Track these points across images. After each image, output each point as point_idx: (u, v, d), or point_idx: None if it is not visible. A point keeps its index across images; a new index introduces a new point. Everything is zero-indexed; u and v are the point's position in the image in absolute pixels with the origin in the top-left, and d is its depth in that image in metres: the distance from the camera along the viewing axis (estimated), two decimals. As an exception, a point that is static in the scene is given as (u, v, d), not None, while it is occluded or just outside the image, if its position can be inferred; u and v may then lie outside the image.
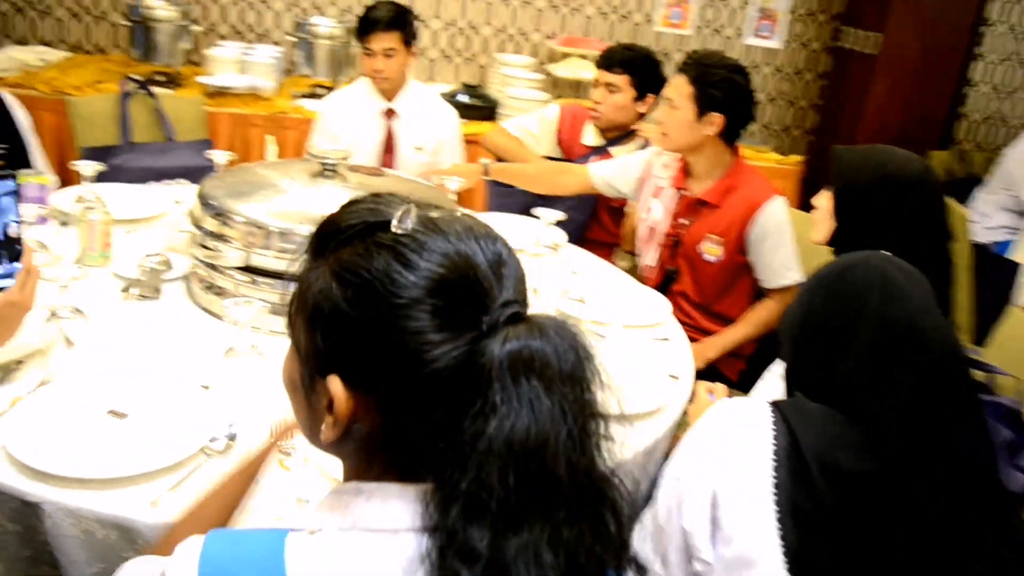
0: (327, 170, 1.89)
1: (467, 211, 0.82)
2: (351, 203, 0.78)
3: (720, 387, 1.68)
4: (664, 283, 2.44)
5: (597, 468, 0.72)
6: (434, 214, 0.74)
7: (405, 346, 0.69)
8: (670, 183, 2.44)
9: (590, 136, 2.91)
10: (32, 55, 3.67)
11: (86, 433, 1.32)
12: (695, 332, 2.34)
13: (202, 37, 3.89)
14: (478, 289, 0.71)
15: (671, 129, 2.32)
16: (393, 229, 0.71)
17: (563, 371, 0.69)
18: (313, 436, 0.79)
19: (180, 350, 1.62)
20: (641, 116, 2.87)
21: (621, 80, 2.76)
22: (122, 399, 1.41)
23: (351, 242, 0.73)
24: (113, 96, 3.07)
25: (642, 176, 2.55)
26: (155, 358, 1.59)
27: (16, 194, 1.26)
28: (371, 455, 0.75)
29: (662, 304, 2.15)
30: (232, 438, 1.35)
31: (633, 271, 2.59)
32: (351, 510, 0.72)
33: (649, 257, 2.52)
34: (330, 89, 3.50)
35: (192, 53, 3.83)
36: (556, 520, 0.68)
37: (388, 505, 0.72)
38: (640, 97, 2.80)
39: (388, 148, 2.92)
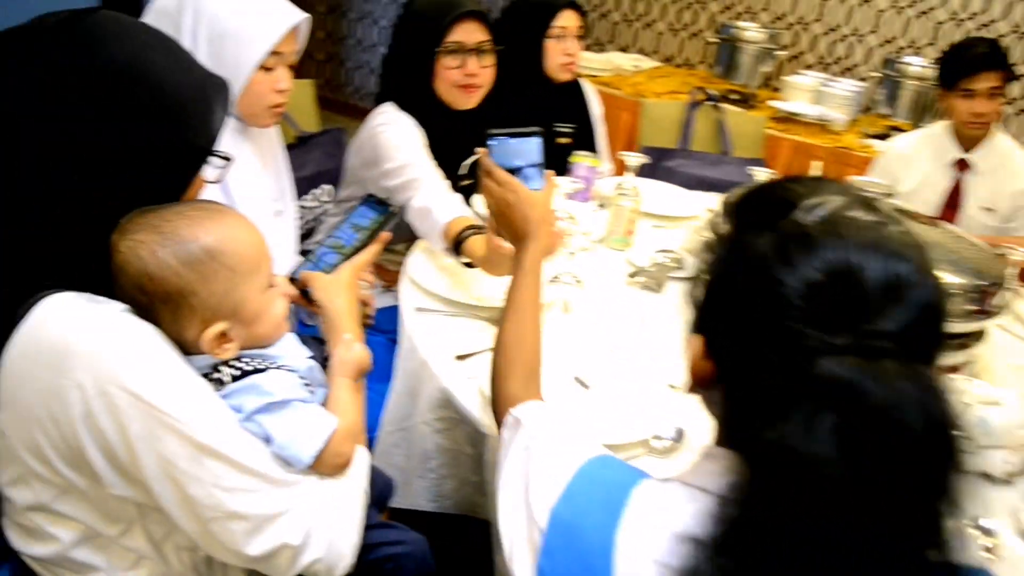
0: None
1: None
2: (782, 181, 0.80)
3: None
4: None
5: None
6: (856, 215, 0.71)
7: (763, 334, 0.70)
8: None
9: None
10: (627, 61, 4.00)
11: (548, 391, 1.36)
12: None
13: (785, 63, 3.87)
14: (852, 306, 0.67)
15: None
16: (796, 218, 0.71)
17: (888, 435, 0.62)
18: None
19: (657, 344, 1.60)
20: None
21: None
22: (589, 371, 1.42)
23: (760, 216, 0.75)
24: (683, 104, 3.19)
25: None
26: (633, 344, 1.58)
27: (540, 167, 1.35)
28: (719, 421, 0.82)
29: None
30: (677, 440, 1.28)
31: None
32: (696, 468, 0.80)
33: None
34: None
35: (771, 77, 3.83)
36: None
37: (711, 468, 0.77)
38: None
39: (952, 203, 2.58)
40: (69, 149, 0.92)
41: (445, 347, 1.47)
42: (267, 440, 0.98)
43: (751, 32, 3.61)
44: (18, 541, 0.97)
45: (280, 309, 1.06)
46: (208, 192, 1.53)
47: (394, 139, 1.97)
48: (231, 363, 1.00)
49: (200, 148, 1.02)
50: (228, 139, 1.56)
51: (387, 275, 2.11)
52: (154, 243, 0.94)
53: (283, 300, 1.08)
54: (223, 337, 0.99)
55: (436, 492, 1.47)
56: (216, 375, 0.99)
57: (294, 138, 2.37)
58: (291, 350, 1.09)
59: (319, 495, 0.99)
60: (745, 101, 3.62)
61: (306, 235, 2.25)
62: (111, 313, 0.93)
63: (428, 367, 1.43)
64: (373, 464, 1.19)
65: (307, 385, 1.07)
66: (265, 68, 1.54)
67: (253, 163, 1.64)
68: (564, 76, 2.51)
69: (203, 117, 1.02)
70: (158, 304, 0.95)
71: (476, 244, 1.65)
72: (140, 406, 0.88)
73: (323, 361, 1.16)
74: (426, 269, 1.73)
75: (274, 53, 1.54)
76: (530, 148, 1.37)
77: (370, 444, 1.56)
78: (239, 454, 0.93)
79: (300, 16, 1.57)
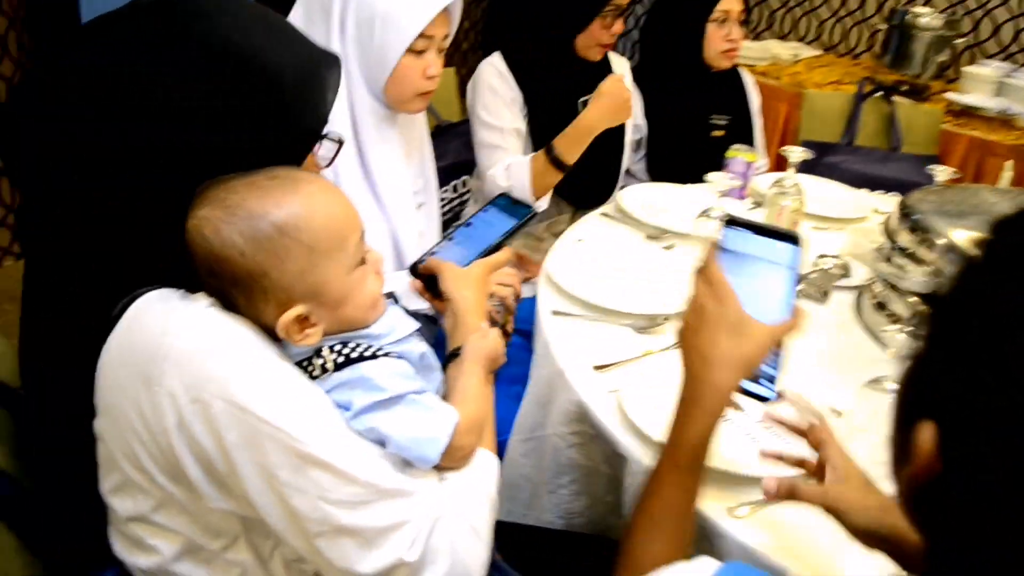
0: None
1: None
2: None
3: None
4: None
5: None
6: None
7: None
8: None
9: None
10: (785, 50, 3.76)
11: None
12: None
13: (963, 52, 3.53)
14: None
15: None
16: None
17: None
18: (893, 473, 0.62)
19: (820, 362, 1.43)
20: None
21: None
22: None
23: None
24: (848, 96, 2.95)
25: None
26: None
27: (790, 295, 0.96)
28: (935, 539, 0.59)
29: None
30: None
31: None
32: None
33: None
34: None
35: (947, 66, 3.51)
36: None
37: None
38: None
39: None
40: (166, 137, 0.86)
41: (583, 355, 1.36)
42: (381, 442, 0.89)
43: (926, 18, 3.30)
44: (122, 551, 0.93)
45: (373, 289, 0.95)
46: (349, 180, 1.49)
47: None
48: (334, 347, 0.91)
49: (309, 130, 0.95)
50: (372, 125, 1.51)
51: (530, 265, 2.01)
52: (218, 219, 0.85)
53: (377, 278, 0.96)
54: (304, 322, 0.89)
55: (566, 509, 1.36)
56: (319, 360, 0.90)
57: (433, 127, 2.31)
58: (398, 326, 0.99)
59: (440, 505, 0.90)
60: (918, 93, 3.32)
61: (444, 227, 2.18)
62: (197, 311, 0.86)
63: (563, 376, 1.32)
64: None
65: (421, 370, 0.99)
66: (415, 52, 1.48)
67: (397, 152, 1.58)
68: (724, 63, 2.35)
69: (310, 97, 0.95)
70: (228, 288, 0.87)
71: None
72: (235, 412, 0.81)
73: (433, 344, 1.07)
74: (566, 268, 1.62)
75: (424, 36, 1.48)
76: (778, 256, 0.96)
77: (500, 449, 1.48)
78: (347, 462, 0.84)
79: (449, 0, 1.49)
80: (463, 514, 0.92)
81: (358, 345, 0.92)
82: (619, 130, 2.21)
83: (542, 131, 2.07)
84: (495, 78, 2.08)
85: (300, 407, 0.84)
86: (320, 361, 0.90)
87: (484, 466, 0.98)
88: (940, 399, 0.56)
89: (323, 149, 1.00)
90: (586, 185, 2.17)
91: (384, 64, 1.48)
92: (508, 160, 2.04)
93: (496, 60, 2.11)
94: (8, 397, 1.03)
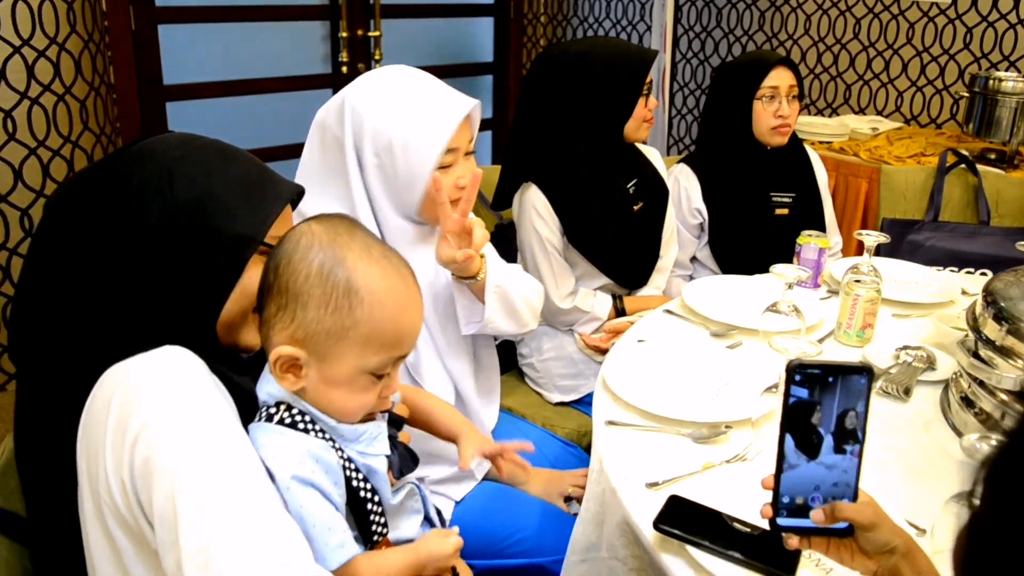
0: None
1: None
2: None
3: None
4: None
5: None
6: None
7: None
8: None
9: None
10: (863, 123, 3.65)
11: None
12: None
13: (1055, 115, 3.35)
14: None
15: None
16: None
17: None
18: None
19: (900, 469, 1.31)
20: None
21: None
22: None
23: None
24: (930, 169, 2.81)
25: None
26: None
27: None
28: None
29: None
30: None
31: None
32: None
33: None
34: None
35: (1037, 132, 3.33)
36: None
37: None
38: None
39: None
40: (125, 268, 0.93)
41: (637, 470, 1.27)
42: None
43: (1010, 82, 3.15)
44: None
45: (368, 402, 0.97)
46: None
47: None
48: (294, 408, 0.95)
49: (246, 237, 0.97)
50: (406, 248, 1.47)
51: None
52: (319, 241, 0.94)
53: (380, 402, 0.99)
54: (294, 367, 0.93)
55: (629, 640, 1.26)
56: (274, 411, 0.95)
57: (494, 226, 2.29)
58: (372, 439, 1.00)
59: None
60: (1006, 161, 3.16)
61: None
62: (155, 353, 0.89)
63: (616, 495, 1.23)
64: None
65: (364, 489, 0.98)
66: (441, 168, 1.45)
67: (431, 269, 1.54)
68: (776, 140, 2.27)
69: (244, 209, 0.98)
70: (273, 291, 0.94)
71: None
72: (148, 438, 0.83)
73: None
74: (624, 373, 1.54)
75: (448, 151, 1.45)
76: (852, 393, 0.92)
77: (557, 568, 1.39)
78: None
79: (468, 107, 1.47)
80: None
81: (316, 423, 0.95)
82: (658, 212, 2.18)
83: (586, 224, 2.05)
84: (538, 218, 2.04)
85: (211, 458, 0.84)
86: (274, 412, 0.94)
87: None
88: (999, 567, 0.50)
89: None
90: (624, 267, 2.14)
91: (413, 189, 1.46)
92: (592, 287, 2.12)
93: (535, 196, 2.04)
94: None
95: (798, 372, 0.91)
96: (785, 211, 2.31)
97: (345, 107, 1.46)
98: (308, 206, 1.39)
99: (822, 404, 0.92)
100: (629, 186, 2.10)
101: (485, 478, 1.63)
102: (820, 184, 2.40)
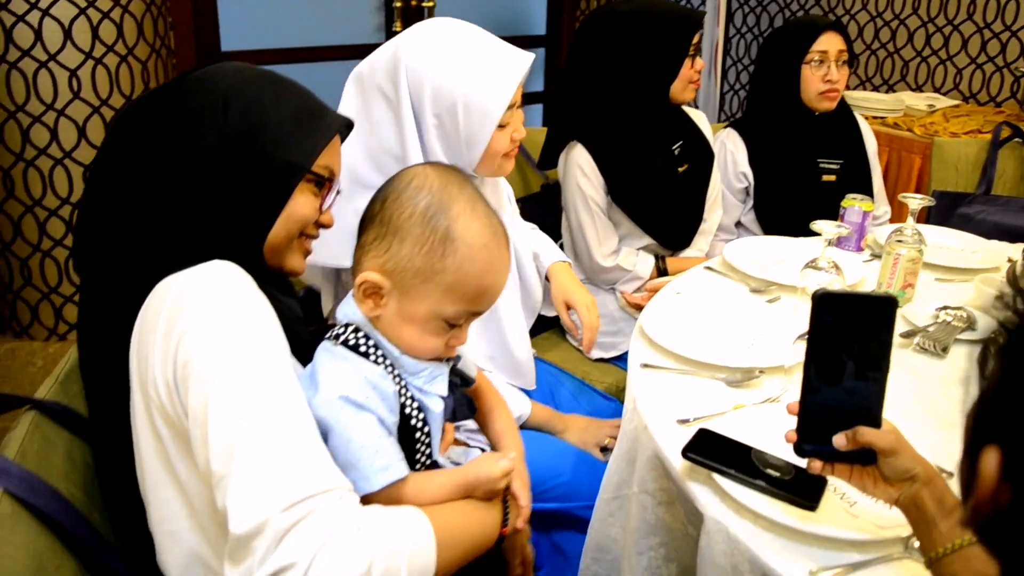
0: None
1: None
2: None
3: None
4: None
5: None
6: None
7: None
8: None
9: None
10: (920, 100, 3.59)
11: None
12: None
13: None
14: None
15: None
16: None
17: None
18: (963, 502, 0.63)
19: (933, 418, 1.32)
20: None
21: None
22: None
23: None
24: (983, 142, 2.77)
25: None
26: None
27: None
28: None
29: None
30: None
31: None
32: None
33: None
34: None
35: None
36: None
37: None
38: None
39: None
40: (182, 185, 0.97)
41: (670, 409, 1.30)
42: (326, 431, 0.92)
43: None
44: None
45: (435, 347, 1.01)
46: None
47: None
48: (361, 332, 0.99)
49: (295, 164, 1.01)
50: None
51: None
52: (430, 187, 0.98)
53: (446, 348, 1.03)
54: (376, 293, 0.98)
55: (655, 575, 1.29)
56: (342, 331, 0.99)
57: (539, 185, 2.32)
58: (432, 377, 1.03)
59: (341, 517, 0.83)
60: (1065, 138, 3.10)
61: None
62: (207, 264, 0.94)
63: (647, 431, 1.26)
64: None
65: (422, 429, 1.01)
66: (501, 126, 1.48)
67: None
68: (823, 105, 2.26)
69: (295, 138, 1.02)
70: (376, 220, 0.99)
71: None
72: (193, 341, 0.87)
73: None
74: (661, 320, 1.56)
75: (509, 108, 1.47)
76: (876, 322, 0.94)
77: (590, 512, 1.42)
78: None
79: (526, 64, 1.49)
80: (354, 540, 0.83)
81: (380, 350, 0.99)
82: (703, 174, 2.20)
83: (629, 186, 2.08)
84: (583, 176, 2.07)
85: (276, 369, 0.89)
86: (342, 332, 0.99)
87: (413, 531, 0.90)
88: (1005, 424, 0.57)
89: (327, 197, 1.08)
90: (667, 227, 2.16)
91: (475, 147, 1.47)
92: (636, 247, 2.15)
93: (580, 155, 2.07)
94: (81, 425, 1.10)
95: (824, 300, 0.93)
96: (832, 178, 2.30)
97: (400, 67, 1.44)
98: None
99: (846, 332, 0.94)
100: (674, 148, 2.12)
101: (522, 426, 1.67)
102: (869, 152, 2.39)
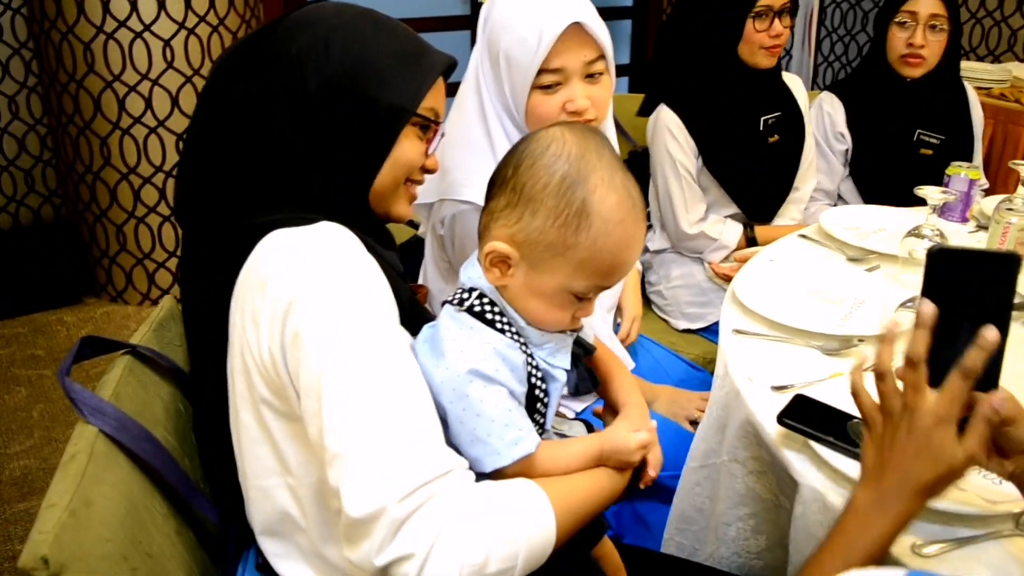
0: None
1: None
2: None
3: None
4: None
5: None
6: None
7: None
8: None
9: None
10: (1028, 70, 3.41)
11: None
12: None
13: None
14: None
15: None
16: None
17: None
18: None
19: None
20: None
21: None
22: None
23: None
24: (1102, 112, 2.61)
25: None
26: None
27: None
28: None
29: None
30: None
31: None
32: None
33: None
34: None
35: None
36: None
37: None
38: None
39: None
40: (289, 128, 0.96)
41: (763, 375, 1.25)
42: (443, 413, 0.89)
43: None
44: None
45: (561, 319, 0.96)
46: None
47: None
48: (487, 298, 0.95)
49: (399, 107, 0.98)
50: None
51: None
52: (568, 156, 0.90)
53: (572, 320, 0.98)
54: (504, 263, 0.93)
55: (744, 546, 1.25)
56: (467, 296, 0.95)
57: (627, 153, 2.27)
58: (556, 349, 0.99)
59: (459, 500, 0.82)
60: None
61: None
62: (314, 226, 0.91)
63: (739, 397, 1.22)
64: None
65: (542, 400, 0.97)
66: (543, 88, 1.37)
67: None
68: (906, 71, 2.16)
69: (399, 79, 0.98)
70: (507, 187, 0.92)
71: None
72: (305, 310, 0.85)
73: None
74: (753, 287, 1.51)
75: (550, 72, 1.35)
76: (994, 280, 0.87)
77: (675, 483, 1.39)
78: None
79: (567, 21, 1.33)
80: (474, 524, 0.82)
81: (510, 321, 0.94)
82: (795, 144, 2.13)
83: (718, 149, 2.02)
84: (672, 139, 2.03)
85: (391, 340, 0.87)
86: (467, 298, 0.95)
87: (531, 514, 0.87)
88: None
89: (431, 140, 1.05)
90: (754, 197, 2.10)
91: (516, 104, 1.41)
92: (723, 215, 2.10)
93: (669, 118, 2.04)
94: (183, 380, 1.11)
95: (939, 257, 0.87)
96: (930, 152, 2.19)
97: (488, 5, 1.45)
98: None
99: (963, 291, 0.88)
100: (768, 118, 2.04)
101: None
102: (975, 129, 2.27)
